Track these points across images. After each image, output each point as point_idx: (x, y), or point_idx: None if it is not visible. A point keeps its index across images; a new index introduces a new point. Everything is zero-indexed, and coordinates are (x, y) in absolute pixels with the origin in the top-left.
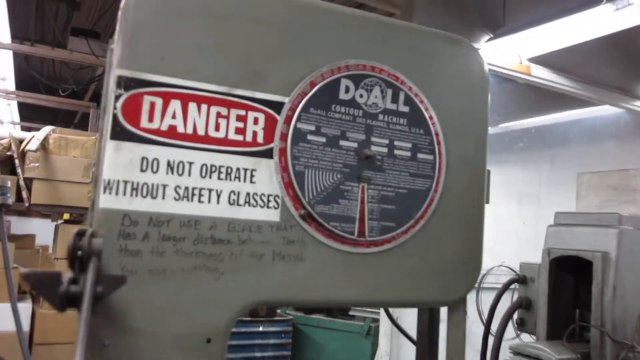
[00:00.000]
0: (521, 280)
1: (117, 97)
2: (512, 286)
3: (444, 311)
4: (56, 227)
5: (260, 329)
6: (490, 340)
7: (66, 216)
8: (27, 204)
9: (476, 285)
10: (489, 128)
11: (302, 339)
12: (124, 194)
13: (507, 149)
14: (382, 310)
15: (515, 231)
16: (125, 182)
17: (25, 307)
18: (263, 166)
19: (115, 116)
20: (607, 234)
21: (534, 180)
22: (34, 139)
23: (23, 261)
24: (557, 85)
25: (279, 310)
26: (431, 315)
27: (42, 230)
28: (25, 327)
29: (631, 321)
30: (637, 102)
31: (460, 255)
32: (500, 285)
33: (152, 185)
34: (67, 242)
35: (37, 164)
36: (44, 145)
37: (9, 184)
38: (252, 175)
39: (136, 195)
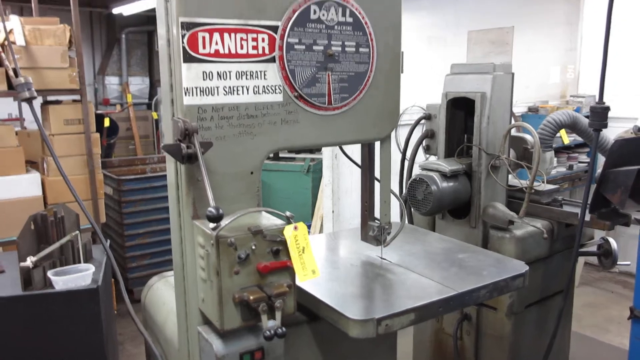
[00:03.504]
0: (427, 117)
1: (182, 36)
2: (421, 122)
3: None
4: (43, 107)
5: None
6: (406, 163)
7: None
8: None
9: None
10: None
11: None
12: (196, 94)
13: None
14: (323, 151)
15: (425, 71)
16: (196, 88)
17: (34, 177)
18: (270, 68)
19: (184, 48)
20: (484, 79)
21: (442, 24)
22: (16, 34)
23: None
24: None
25: None
26: (369, 151)
27: None
28: (38, 192)
29: (499, 140)
30: None
31: (386, 109)
32: (412, 122)
33: (211, 87)
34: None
35: (19, 56)
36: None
37: (30, 79)
38: (264, 75)
39: (203, 94)
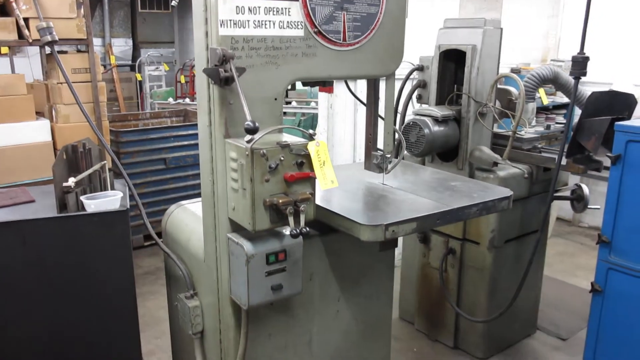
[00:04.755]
0: (420, 68)
1: None
2: (412, 76)
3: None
4: (49, 57)
5: None
6: (398, 117)
7: None
8: (30, 40)
9: None
10: None
11: None
12: (230, 26)
13: None
14: (319, 100)
15: (413, 30)
16: (230, 20)
17: (44, 124)
18: (294, 6)
19: None
20: (475, 32)
21: None
22: None
23: None
24: None
25: None
26: (374, 87)
27: None
28: (48, 138)
29: (486, 89)
30: None
31: (392, 49)
32: (402, 77)
33: (242, 20)
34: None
35: (28, 6)
36: None
37: (51, 23)
38: (289, 11)
39: (235, 27)
